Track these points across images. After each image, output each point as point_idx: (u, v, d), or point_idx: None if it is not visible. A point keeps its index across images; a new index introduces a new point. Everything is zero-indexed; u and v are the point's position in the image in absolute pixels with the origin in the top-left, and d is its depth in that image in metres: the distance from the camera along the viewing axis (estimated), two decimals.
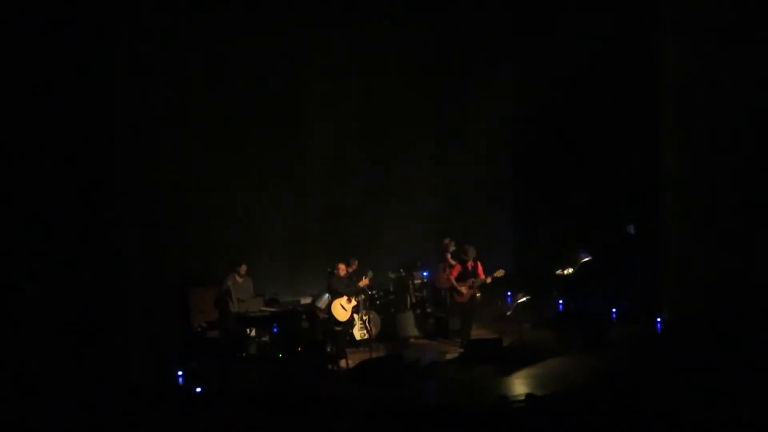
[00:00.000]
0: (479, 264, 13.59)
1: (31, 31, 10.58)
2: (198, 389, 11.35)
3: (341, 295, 13.38)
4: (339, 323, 13.31)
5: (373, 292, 14.36)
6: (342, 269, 13.48)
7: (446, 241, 14.62)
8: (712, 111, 13.09)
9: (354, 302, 13.53)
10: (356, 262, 13.87)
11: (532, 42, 16.50)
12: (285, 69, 15.84)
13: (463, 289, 13.48)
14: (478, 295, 13.91)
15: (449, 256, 14.32)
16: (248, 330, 13.25)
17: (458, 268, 13.64)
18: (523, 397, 9.90)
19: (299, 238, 16.26)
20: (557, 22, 15.73)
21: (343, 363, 12.65)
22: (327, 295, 13.47)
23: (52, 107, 10.79)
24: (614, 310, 14.28)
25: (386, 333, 14.14)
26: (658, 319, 13.55)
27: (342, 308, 13.39)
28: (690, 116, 13.39)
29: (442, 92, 17.19)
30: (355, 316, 13.71)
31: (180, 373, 11.80)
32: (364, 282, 13.64)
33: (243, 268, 13.66)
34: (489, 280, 13.55)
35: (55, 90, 10.80)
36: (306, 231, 16.32)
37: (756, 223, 12.75)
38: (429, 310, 14.81)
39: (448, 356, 13.06)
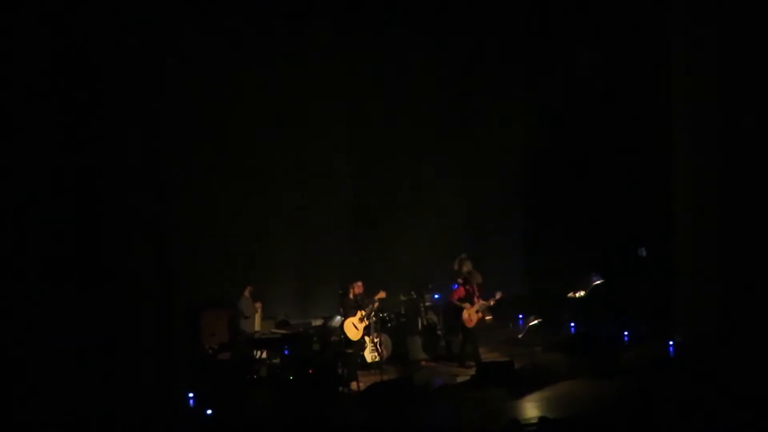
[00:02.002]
0: (479, 289, 13.70)
1: (37, 33, 10.62)
2: (209, 412, 11.33)
3: (355, 313, 13.40)
4: (350, 343, 13.30)
5: (384, 314, 14.36)
6: (357, 287, 13.55)
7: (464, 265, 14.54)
8: (729, 131, 12.97)
9: (366, 322, 13.52)
10: (361, 285, 13.88)
11: (543, 60, 16.58)
12: (297, 89, 15.90)
13: (471, 313, 13.54)
14: (488, 318, 14.07)
15: (461, 281, 14.22)
16: (259, 352, 13.25)
17: (461, 291, 13.65)
18: (534, 421, 9.85)
19: (310, 260, 16.26)
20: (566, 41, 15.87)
21: (354, 385, 12.61)
22: (338, 317, 13.52)
23: (63, 130, 10.85)
24: (626, 333, 14.19)
25: (397, 355, 14.11)
26: (671, 343, 13.46)
27: (354, 327, 13.40)
28: (706, 138, 13.32)
29: (454, 117, 17.22)
30: (366, 338, 13.69)
31: (191, 395, 11.78)
32: (380, 295, 13.66)
33: (248, 291, 13.91)
34: (492, 302, 13.68)
35: (70, 114, 10.87)
36: (317, 254, 16.32)
37: None
38: (440, 332, 14.76)
39: (459, 379, 13.00)
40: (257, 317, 13.93)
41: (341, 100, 16.40)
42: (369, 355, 13.72)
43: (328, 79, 16.17)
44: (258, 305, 13.99)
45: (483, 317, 14.10)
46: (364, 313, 13.54)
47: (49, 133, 10.75)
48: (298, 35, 15.69)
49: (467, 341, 13.69)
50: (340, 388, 12.51)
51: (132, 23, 11.36)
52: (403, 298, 15.27)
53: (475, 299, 13.62)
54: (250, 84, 15.55)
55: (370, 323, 13.66)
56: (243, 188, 15.73)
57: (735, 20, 12.60)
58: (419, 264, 15.89)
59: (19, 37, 10.44)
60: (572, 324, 14.71)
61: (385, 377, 12.64)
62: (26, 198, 10.59)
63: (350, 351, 13.24)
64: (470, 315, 13.56)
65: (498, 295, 13.69)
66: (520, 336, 13.62)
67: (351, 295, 13.61)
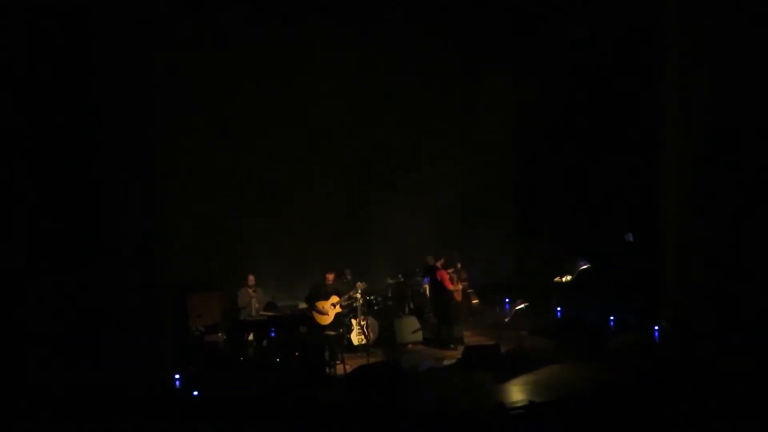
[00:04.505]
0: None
1: (31, 30, 10.57)
2: (195, 393, 11.33)
3: (327, 298, 13.48)
4: (321, 327, 13.34)
5: (371, 297, 14.40)
6: (329, 278, 13.64)
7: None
8: (717, 120, 13.00)
9: (338, 308, 13.53)
10: (333, 276, 13.91)
11: (534, 49, 16.59)
12: (289, 76, 15.86)
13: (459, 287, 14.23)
14: (475, 301, 14.24)
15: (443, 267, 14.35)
16: (246, 334, 13.25)
17: (446, 275, 13.88)
18: (520, 404, 9.89)
19: (298, 242, 16.26)
20: (557, 30, 15.87)
21: (340, 368, 12.62)
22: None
23: (55, 112, 10.79)
24: (612, 318, 14.26)
25: (384, 339, 14.13)
26: (656, 328, 13.54)
27: (322, 312, 13.45)
28: (693, 126, 13.33)
29: (443, 101, 17.24)
30: (353, 321, 13.72)
31: (177, 376, 11.78)
32: (360, 286, 13.71)
33: (251, 279, 13.92)
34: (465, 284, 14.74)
35: (57, 97, 10.81)
36: (305, 236, 16.32)
37: (758, 232, 12.69)
38: (427, 316, 14.79)
39: (446, 362, 13.04)
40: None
41: (335, 85, 16.34)
42: (356, 338, 13.76)
43: (319, 64, 16.13)
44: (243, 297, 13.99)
45: (470, 300, 14.21)
46: (337, 299, 13.55)
47: (37, 114, 10.71)
48: (294, 21, 15.64)
49: (453, 323, 13.80)
50: (327, 371, 12.53)
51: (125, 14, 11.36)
52: (390, 281, 15.30)
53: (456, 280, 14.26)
54: (240, 62, 15.50)
55: (355, 307, 13.67)
56: (233, 170, 15.70)
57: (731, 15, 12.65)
58: (409, 248, 15.91)
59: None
60: (559, 308, 14.77)
61: (372, 360, 12.65)
62: (14, 178, 10.55)
63: (334, 333, 13.27)
64: (457, 294, 14.00)
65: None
66: (506, 320, 13.65)
67: (325, 283, 13.66)
